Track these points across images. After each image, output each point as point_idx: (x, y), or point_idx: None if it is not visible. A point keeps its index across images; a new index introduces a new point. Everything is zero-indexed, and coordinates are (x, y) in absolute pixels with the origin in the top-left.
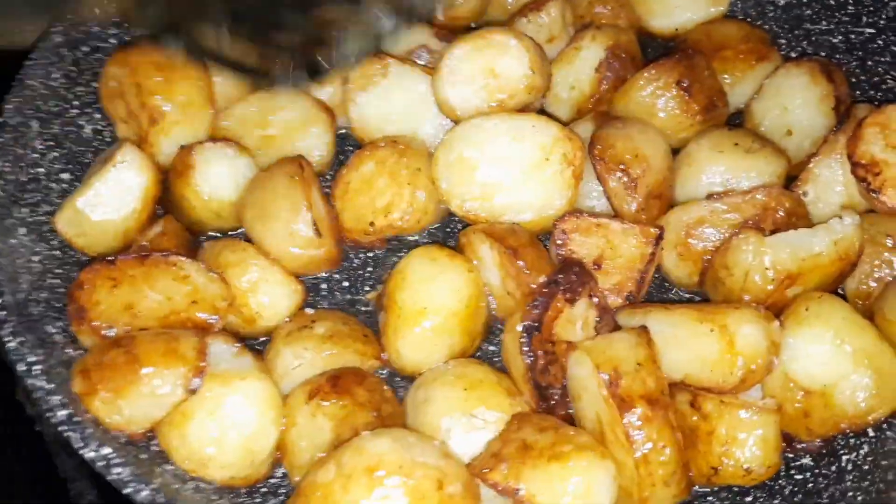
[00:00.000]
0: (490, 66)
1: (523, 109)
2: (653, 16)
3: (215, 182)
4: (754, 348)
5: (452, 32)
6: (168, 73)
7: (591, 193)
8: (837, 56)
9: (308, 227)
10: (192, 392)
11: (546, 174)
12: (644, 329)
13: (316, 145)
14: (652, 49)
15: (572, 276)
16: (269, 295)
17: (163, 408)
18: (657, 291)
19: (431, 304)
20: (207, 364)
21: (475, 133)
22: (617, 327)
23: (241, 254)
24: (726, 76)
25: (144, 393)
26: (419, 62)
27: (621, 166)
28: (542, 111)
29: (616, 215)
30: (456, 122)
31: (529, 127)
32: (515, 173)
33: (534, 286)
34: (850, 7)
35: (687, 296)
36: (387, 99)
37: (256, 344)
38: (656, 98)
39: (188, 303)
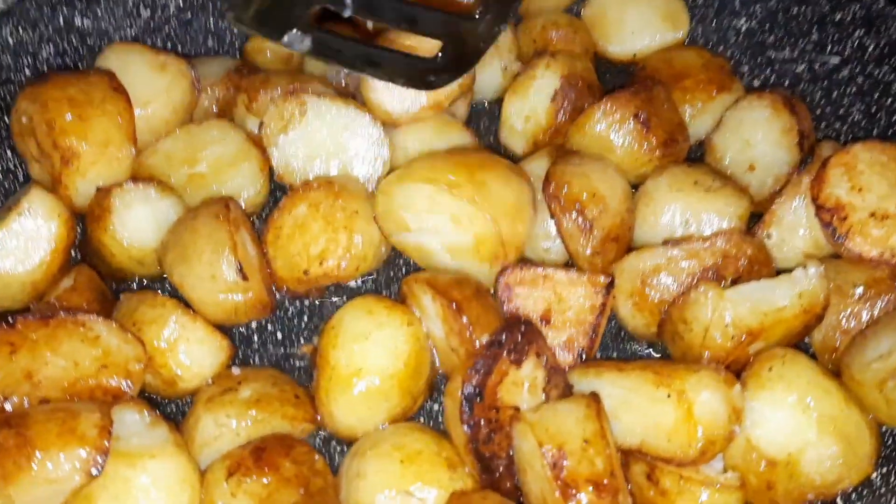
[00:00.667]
0: None
1: (452, 104)
2: (609, 42)
3: (135, 227)
4: (714, 417)
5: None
6: (83, 110)
7: (549, 233)
8: (802, 86)
9: (232, 269)
10: (94, 476)
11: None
12: (594, 398)
13: (247, 183)
14: (611, 75)
15: (518, 335)
16: (190, 354)
17: (61, 494)
18: (613, 341)
19: (367, 364)
20: (110, 444)
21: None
22: (568, 387)
23: (160, 309)
24: (687, 107)
25: (38, 479)
26: (338, 79)
27: (576, 206)
28: (495, 146)
29: (565, 264)
30: (392, 125)
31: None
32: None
33: (479, 344)
34: (814, 35)
35: (645, 347)
36: (309, 137)
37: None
38: (613, 132)
39: (97, 367)
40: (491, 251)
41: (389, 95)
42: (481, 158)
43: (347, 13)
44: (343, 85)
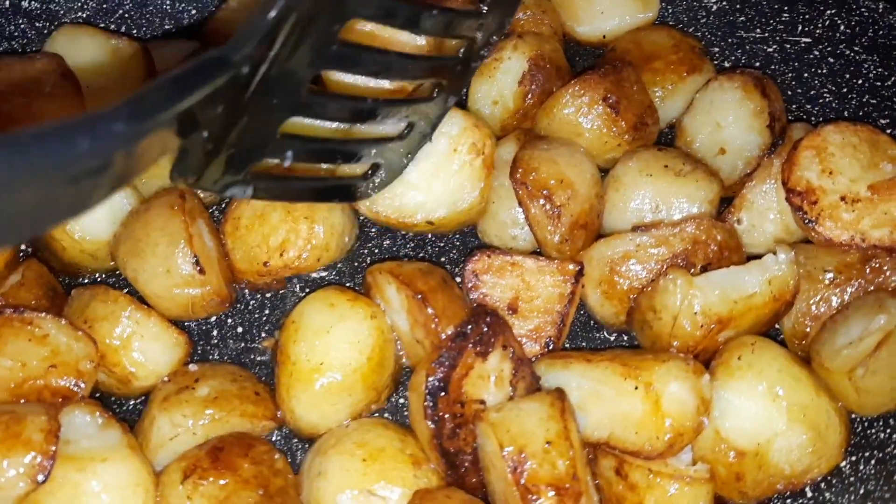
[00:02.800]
0: None
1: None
2: (578, 22)
3: (87, 220)
4: (682, 408)
5: None
6: (31, 97)
7: (517, 219)
8: (773, 67)
9: (188, 262)
10: (41, 482)
11: (454, 166)
12: (559, 395)
13: None
14: (580, 57)
15: (483, 327)
16: (144, 351)
17: (6, 501)
18: (582, 330)
19: (328, 359)
20: (57, 448)
21: None
22: (535, 379)
23: (112, 305)
24: (657, 89)
25: None
26: None
27: (544, 192)
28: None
29: (533, 252)
30: None
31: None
32: (423, 168)
33: (444, 335)
34: (784, 15)
35: (614, 336)
36: None
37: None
38: (581, 116)
39: (45, 367)
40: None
41: (352, 80)
42: None
43: (287, 164)
44: None
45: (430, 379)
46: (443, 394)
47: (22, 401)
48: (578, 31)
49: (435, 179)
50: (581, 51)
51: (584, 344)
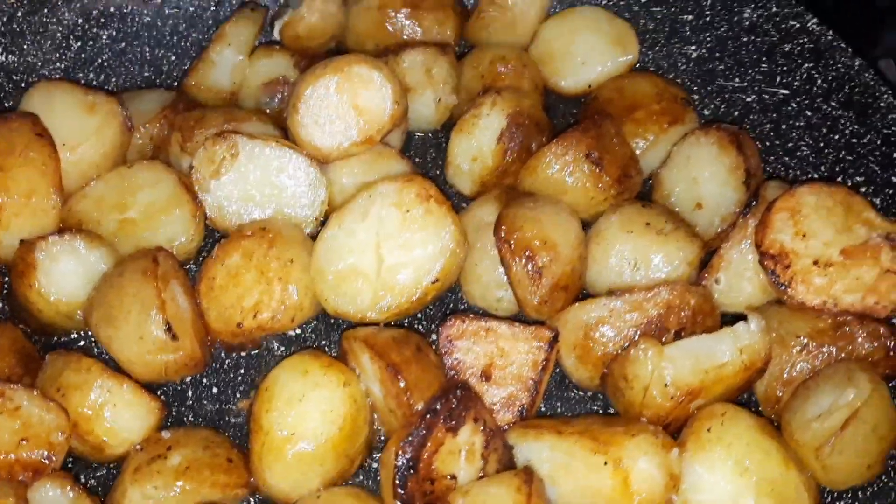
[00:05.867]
0: (353, 101)
1: (384, 137)
2: (561, 77)
3: (63, 282)
4: (650, 486)
5: (313, 62)
6: (4, 159)
7: (502, 281)
8: (752, 116)
9: (160, 329)
10: None
11: (416, 226)
12: (528, 476)
13: (180, 230)
14: (564, 105)
15: (453, 402)
16: (116, 419)
17: None
18: (557, 389)
19: (300, 429)
20: None
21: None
22: (508, 450)
23: (85, 374)
24: (639, 140)
25: None
26: (276, 101)
27: (527, 252)
28: (442, 183)
29: (508, 318)
30: (323, 161)
31: (372, 198)
32: (395, 250)
33: (416, 408)
34: (763, 65)
35: (590, 394)
36: (242, 181)
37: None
38: (566, 174)
39: (16, 441)
40: None
41: (319, 131)
42: None
43: None
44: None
45: (400, 456)
46: (412, 472)
47: None
48: (563, 85)
49: (410, 251)
50: (563, 99)
51: (558, 404)
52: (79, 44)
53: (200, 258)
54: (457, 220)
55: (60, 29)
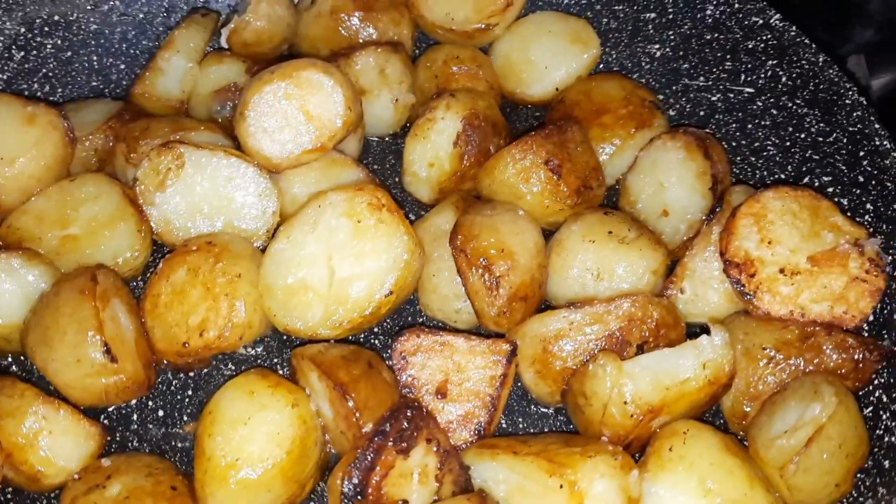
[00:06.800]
0: (303, 107)
1: (338, 144)
2: (527, 86)
3: (0, 301)
4: None
5: (264, 68)
6: None
7: (460, 292)
8: (717, 116)
9: (98, 351)
10: None
11: (369, 235)
12: (480, 499)
13: (125, 246)
14: (526, 108)
15: (403, 423)
16: (52, 447)
17: None
18: (518, 404)
19: (244, 454)
20: None
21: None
22: (464, 470)
23: (18, 400)
24: (605, 145)
25: None
26: (227, 109)
27: (483, 262)
28: (401, 190)
29: (464, 332)
30: (273, 171)
31: (322, 208)
32: (346, 260)
33: (366, 430)
34: (727, 63)
35: (552, 409)
36: (189, 192)
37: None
38: (522, 180)
39: None
40: None
41: (269, 140)
42: None
43: None
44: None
45: (346, 482)
46: (359, 497)
47: None
48: (530, 93)
49: (362, 262)
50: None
51: (520, 419)
52: (21, 53)
53: (147, 274)
54: (410, 229)
55: (2, 39)
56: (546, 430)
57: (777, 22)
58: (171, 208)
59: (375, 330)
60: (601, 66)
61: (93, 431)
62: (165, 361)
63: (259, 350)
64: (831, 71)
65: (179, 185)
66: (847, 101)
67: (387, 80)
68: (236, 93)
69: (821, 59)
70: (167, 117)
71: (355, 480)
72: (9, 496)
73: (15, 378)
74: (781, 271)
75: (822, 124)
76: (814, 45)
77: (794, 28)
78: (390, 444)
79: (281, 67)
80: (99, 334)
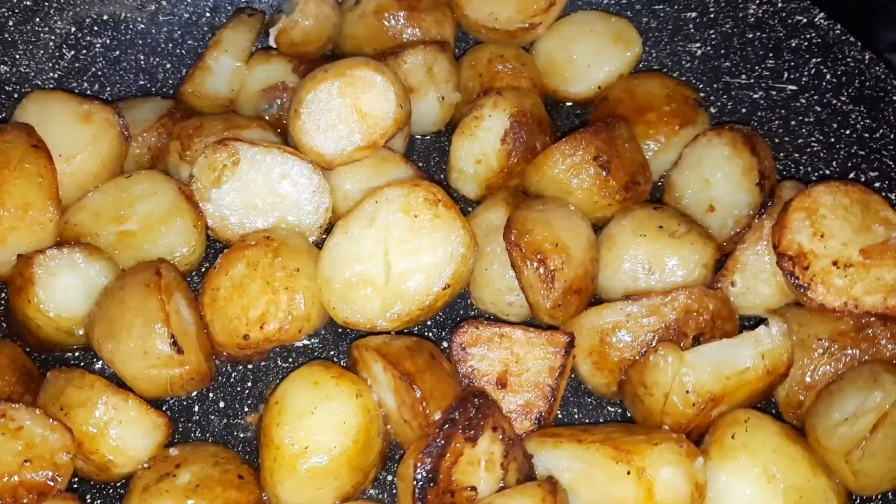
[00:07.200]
0: (356, 105)
1: (388, 141)
2: (570, 84)
3: (61, 297)
4: (676, 496)
5: (311, 66)
6: (1, 170)
7: (513, 286)
8: (759, 113)
9: (165, 343)
10: None
11: (425, 230)
12: (552, 487)
13: (181, 241)
14: (571, 105)
15: (471, 411)
16: (122, 437)
17: None
18: (574, 395)
19: (313, 442)
20: None
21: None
22: (527, 458)
23: (88, 391)
24: (650, 142)
25: None
26: (275, 108)
27: (538, 256)
28: (446, 187)
29: (529, 320)
30: (326, 167)
31: (379, 204)
32: (405, 255)
33: (433, 418)
34: (769, 61)
35: (608, 401)
36: (244, 189)
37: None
38: (572, 176)
39: (20, 463)
40: None
41: (322, 137)
42: None
43: None
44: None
45: (419, 469)
46: (432, 484)
47: None
48: (573, 91)
49: (419, 257)
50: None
51: (575, 410)
52: (72, 53)
53: (202, 269)
54: (466, 224)
55: (53, 38)
56: (601, 420)
57: (822, 20)
58: (226, 204)
59: (428, 323)
60: (642, 64)
61: (160, 422)
62: (225, 354)
63: (316, 343)
64: (878, 68)
65: (235, 181)
66: (895, 98)
67: (434, 78)
68: (284, 91)
69: (867, 57)
70: (219, 115)
71: (428, 466)
72: (75, 486)
73: (83, 370)
74: (834, 263)
75: (868, 120)
76: (859, 43)
77: (839, 26)
78: (459, 431)
79: (334, 66)
80: (166, 327)
